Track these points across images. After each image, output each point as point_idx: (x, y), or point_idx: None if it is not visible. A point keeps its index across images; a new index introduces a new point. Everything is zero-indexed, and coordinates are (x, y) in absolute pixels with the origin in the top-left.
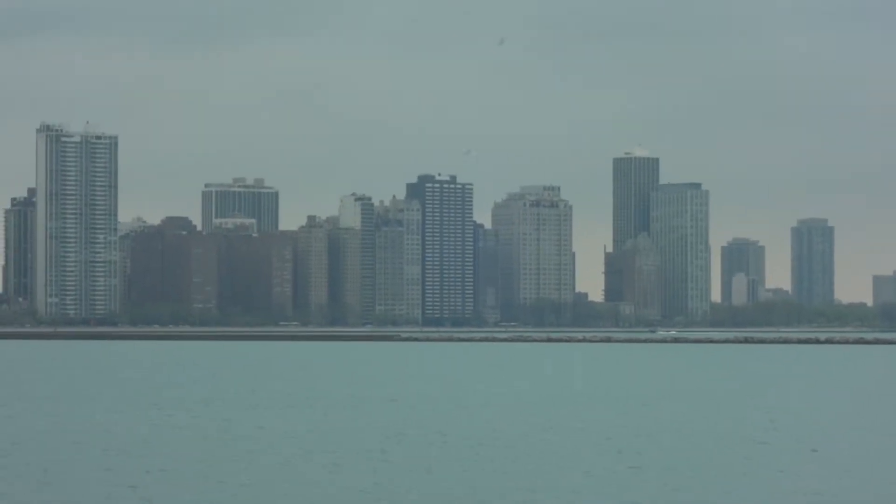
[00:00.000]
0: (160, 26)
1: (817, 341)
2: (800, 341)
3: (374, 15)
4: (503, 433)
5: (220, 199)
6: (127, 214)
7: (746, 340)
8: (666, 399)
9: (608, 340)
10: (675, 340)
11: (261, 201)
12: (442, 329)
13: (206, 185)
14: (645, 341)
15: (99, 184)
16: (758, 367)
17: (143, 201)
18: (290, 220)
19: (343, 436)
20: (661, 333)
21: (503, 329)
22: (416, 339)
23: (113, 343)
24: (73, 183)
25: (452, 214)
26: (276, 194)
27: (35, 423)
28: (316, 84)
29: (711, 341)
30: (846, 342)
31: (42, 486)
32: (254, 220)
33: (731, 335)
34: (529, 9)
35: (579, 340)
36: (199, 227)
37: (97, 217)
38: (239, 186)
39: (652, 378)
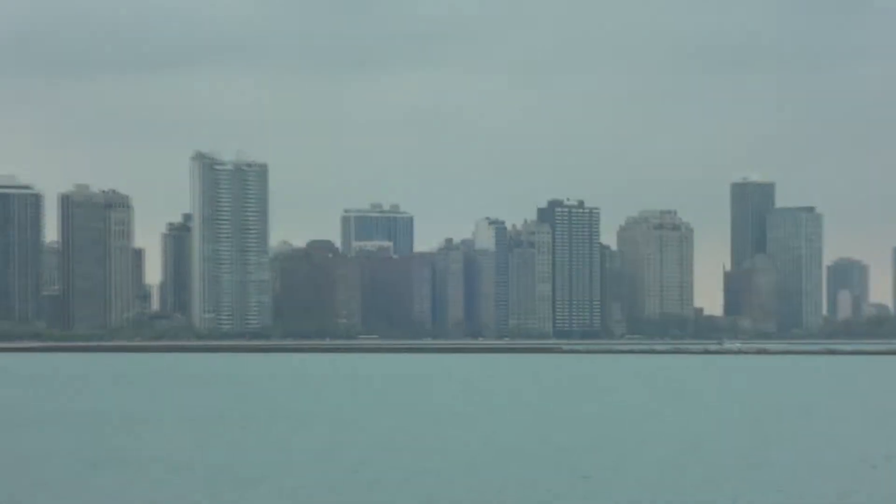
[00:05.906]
0: (303, 58)
1: None
2: None
3: (506, 44)
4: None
5: (358, 224)
6: (272, 237)
7: None
8: None
9: (764, 352)
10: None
11: (396, 225)
12: (601, 341)
13: (346, 211)
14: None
15: (250, 209)
16: None
17: (285, 225)
18: (423, 242)
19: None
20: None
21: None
22: (576, 352)
23: (269, 356)
24: (226, 208)
25: (580, 237)
26: (411, 219)
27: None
28: (448, 113)
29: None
30: None
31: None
32: (391, 243)
33: (883, 347)
34: (651, 38)
35: (735, 353)
36: (340, 250)
37: (249, 240)
38: (376, 212)
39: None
